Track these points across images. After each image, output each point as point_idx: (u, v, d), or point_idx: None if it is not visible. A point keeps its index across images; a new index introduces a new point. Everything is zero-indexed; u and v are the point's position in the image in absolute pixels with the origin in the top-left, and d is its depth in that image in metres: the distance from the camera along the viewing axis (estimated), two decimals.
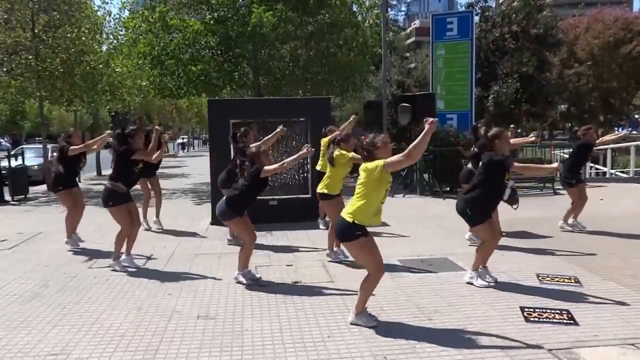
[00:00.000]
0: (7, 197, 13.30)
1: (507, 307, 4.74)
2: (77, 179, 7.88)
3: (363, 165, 4.24)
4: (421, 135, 3.98)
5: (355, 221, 4.18)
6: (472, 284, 5.39)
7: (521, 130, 21.25)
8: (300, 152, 5.37)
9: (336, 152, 6.34)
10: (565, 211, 8.19)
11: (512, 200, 5.66)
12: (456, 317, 4.51)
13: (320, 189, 6.55)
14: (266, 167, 5.37)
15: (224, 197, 5.72)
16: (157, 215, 9.05)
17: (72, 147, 7.36)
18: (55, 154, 8.14)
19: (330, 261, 6.46)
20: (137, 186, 7.46)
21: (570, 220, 8.11)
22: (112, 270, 6.27)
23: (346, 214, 4.25)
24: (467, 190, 5.57)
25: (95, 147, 7.72)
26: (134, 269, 6.30)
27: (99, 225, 8.81)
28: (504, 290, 5.21)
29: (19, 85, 14.92)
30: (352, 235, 4.21)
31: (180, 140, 52.86)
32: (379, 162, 4.09)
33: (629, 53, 27.82)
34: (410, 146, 4.00)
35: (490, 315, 4.57)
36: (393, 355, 3.79)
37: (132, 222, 6.44)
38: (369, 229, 4.35)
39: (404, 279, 5.68)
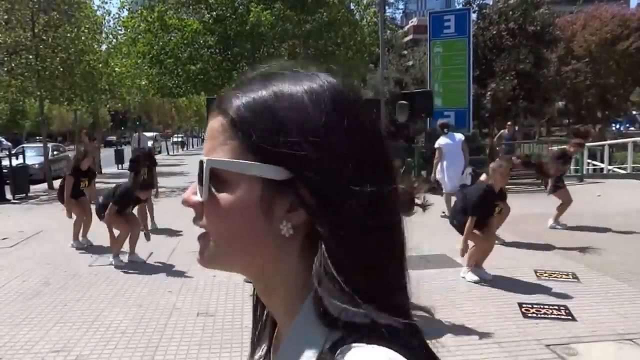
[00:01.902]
0: (9, 195, 13.33)
1: (505, 303, 4.78)
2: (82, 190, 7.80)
3: None
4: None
5: None
6: (464, 278, 5.46)
7: (519, 127, 21.28)
8: None
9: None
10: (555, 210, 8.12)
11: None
12: (454, 314, 4.54)
13: None
14: None
15: None
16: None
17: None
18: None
19: None
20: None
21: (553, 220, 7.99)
22: None
23: None
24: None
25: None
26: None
27: (99, 224, 8.81)
28: (502, 287, 5.24)
29: (19, 85, 14.95)
30: None
31: (176, 139, 52.62)
32: None
33: (626, 49, 27.82)
34: None
35: (489, 311, 4.60)
36: None
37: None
38: None
39: None
